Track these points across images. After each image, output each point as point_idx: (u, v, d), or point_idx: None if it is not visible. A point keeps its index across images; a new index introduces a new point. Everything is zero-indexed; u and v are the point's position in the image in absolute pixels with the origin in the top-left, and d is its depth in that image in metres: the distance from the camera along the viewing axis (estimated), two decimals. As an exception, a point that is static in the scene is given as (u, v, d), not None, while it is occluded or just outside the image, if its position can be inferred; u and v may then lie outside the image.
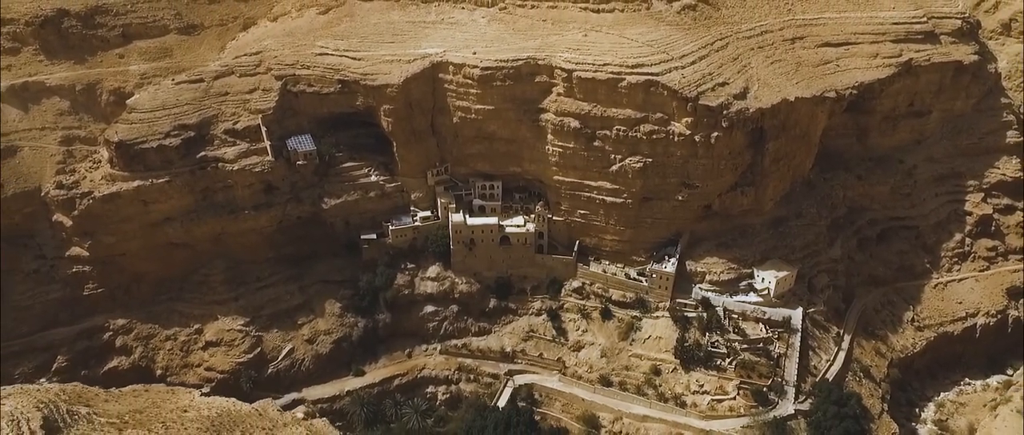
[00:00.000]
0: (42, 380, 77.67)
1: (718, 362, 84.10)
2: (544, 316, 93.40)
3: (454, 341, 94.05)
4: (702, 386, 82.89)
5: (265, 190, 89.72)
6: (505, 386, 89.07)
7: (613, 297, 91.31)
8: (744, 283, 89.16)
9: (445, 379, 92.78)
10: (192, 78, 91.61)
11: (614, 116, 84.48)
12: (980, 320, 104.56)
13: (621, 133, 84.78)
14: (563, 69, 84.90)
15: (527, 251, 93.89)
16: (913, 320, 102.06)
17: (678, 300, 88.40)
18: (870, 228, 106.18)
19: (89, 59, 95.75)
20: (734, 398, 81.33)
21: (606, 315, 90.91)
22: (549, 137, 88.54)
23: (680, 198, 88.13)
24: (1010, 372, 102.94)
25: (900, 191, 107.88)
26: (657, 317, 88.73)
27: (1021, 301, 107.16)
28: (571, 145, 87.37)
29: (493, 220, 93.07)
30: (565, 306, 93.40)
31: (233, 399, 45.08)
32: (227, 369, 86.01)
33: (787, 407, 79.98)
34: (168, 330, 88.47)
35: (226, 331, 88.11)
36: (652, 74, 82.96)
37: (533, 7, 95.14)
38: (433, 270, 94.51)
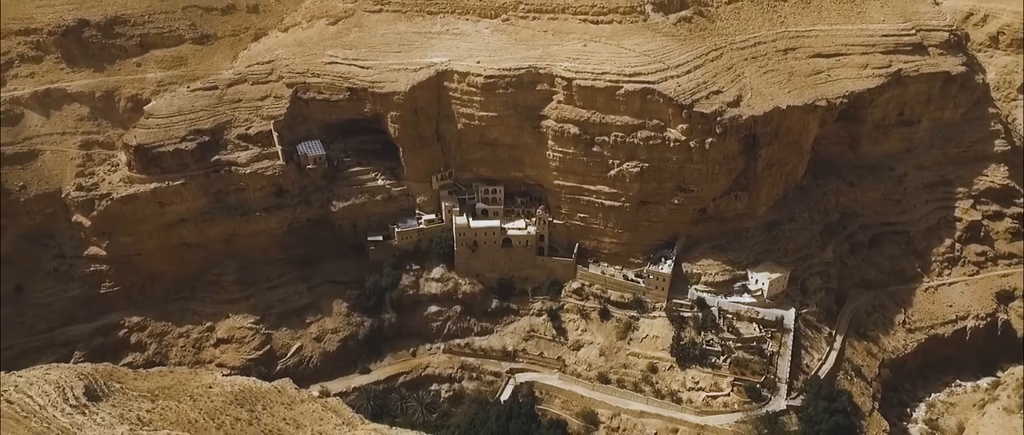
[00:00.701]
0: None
1: (713, 360, 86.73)
2: (545, 316, 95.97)
3: (457, 340, 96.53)
4: (697, 383, 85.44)
5: (276, 193, 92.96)
6: (507, 384, 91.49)
7: (611, 298, 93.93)
8: (738, 284, 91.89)
9: (448, 377, 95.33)
10: (207, 85, 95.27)
11: (612, 123, 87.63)
12: (970, 323, 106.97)
13: (619, 139, 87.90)
14: (563, 78, 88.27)
15: (528, 253, 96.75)
16: (904, 322, 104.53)
17: (674, 300, 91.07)
18: (862, 233, 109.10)
19: (108, 67, 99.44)
20: (728, 394, 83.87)
21: (605, 315, 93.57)
22: (550, 143, 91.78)
23: (676, 202, 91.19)
24: (1000, 374, 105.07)
25: (891, 197, 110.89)
26: (654, 317, 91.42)
27: (1010, 305, 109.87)
28: (571, 151, 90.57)
29: (495, 223, 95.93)
30: (565, 307, 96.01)
31: (253, 378, 48.12)
32: (238, 365, 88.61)
33: (779, 403, 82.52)
34: (181, 327, 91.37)
35: (237, 329, 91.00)
36: (649, 82, 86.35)
37: (535, 18, 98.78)
38: (437, 271, 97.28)
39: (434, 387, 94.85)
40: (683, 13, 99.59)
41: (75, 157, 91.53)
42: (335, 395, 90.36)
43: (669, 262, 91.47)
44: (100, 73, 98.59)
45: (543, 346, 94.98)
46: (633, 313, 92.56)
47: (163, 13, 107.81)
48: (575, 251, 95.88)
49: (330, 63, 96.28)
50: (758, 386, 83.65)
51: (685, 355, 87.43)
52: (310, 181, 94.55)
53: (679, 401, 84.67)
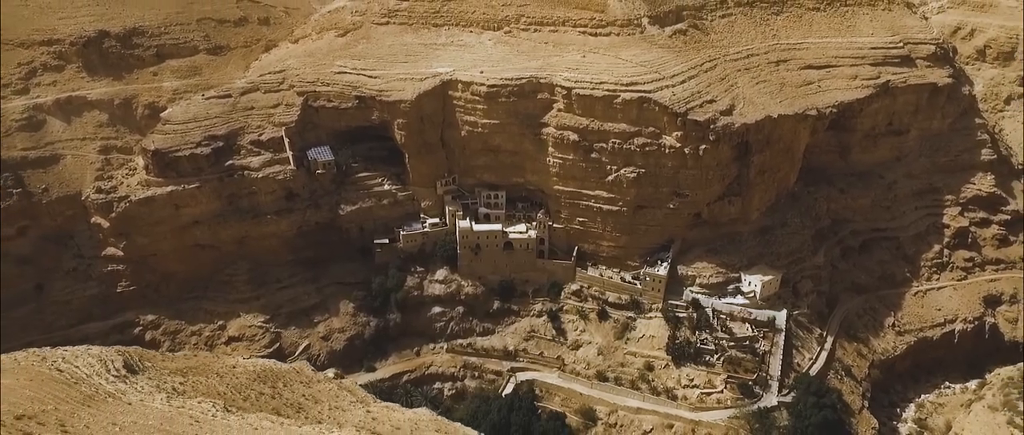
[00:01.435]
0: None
1: (707, 358, 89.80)
2: (544, 317, 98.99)
3: (460, 340, 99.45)
4: (692, 380, 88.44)
5: (286, 197, 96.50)
6: (508, 381, 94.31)
7: (609, 299, 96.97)
8: (732, 286, 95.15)
9: (451, 376, 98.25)
10: (221, 94, 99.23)
11: (610, 130, 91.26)
12: (958, 326, 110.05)
13: (616, 146, 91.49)
14: (563, 87, 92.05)
15: (529, 256, 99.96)
16: (894, 325, 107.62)
17: (670, 301, 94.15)
18: (853, 238, 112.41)
19: (126, 76, 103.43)
20: (721, 391, 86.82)
21: (603, 316, 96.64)
22: (550, 149, 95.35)
23: (671, 206, 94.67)
24: (987, 376, 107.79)
25: (881, 204, 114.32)
26: (650, 317, 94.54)
27: (998, 309, 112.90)
28: (570, 157, 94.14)
29: (497, 227, 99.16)
30: (564, 308, 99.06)
31: (273, 360, 51.24)
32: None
33: (771, 399, 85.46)
34: (193, 326, 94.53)
35: (247, 327, 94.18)
36: (645, 91, 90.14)
37: (536, 30, 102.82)
38: (441, 273, 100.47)
39: (437, 385, 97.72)
40: (678, 26, 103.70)
41: (94, 161, 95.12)
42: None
43: (665, 265, 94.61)
44: (119, 82, 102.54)
45: (543, 346, 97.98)
46: (630, 314, 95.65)
47: (179, 25, 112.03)
48: (574, 254, 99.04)
49: (339, 73, 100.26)
50: (750, 383, 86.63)
51: (680, 354, 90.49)
52: (319, 186, 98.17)
53: (674, 398, 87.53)
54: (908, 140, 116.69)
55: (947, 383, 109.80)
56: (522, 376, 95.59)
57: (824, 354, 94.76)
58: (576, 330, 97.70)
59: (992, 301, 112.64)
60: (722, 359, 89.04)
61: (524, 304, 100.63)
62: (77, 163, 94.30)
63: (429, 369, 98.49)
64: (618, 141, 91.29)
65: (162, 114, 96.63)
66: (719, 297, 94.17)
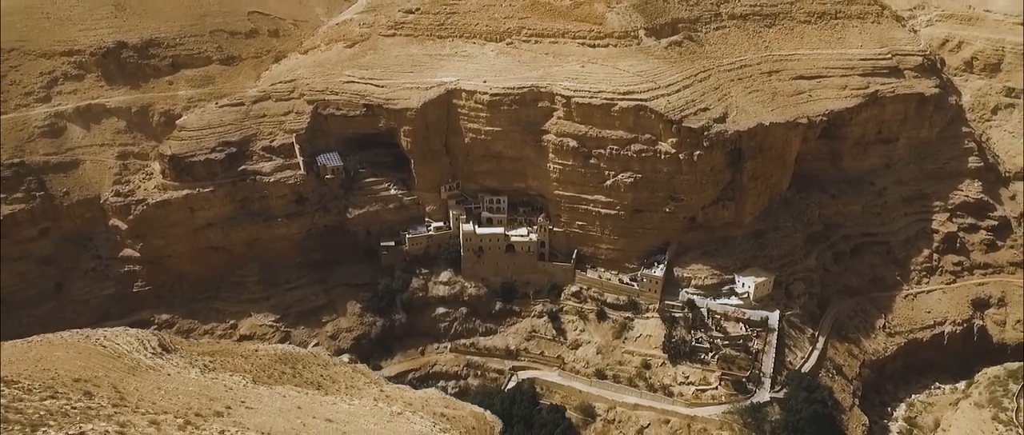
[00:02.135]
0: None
1: (702, 356, 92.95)
2: (545, 317, 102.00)
3: (463, 340, 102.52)
4: (688, 378, 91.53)
5: (296, 201, 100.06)
6: (509, 380, 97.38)
7: (608, 300, 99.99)
8: (726, 287, 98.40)
9: (454, 374, 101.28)
10: (234, 102, 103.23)
11: (608, 137, 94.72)
12: (947, 328, 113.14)
13: (614, 152, 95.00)
14: (563, 96, 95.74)
15: (530, 258, 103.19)
16: (884, 327, 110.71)
17: (666, 302, 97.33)
18: (844, 243, 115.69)
19: (143, 85, 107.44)
20: (716, 388, 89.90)
21: (601, 316, 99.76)
22: (550, 156, 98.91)
23: (667, 210, 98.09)
24: (976, 376, 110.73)
25: (871, 210, 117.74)
26: (647, 317, 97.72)
27: (986, 312, 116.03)
28: (570, 163, 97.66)
29: (500, 230, 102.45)
30: (564, 308, 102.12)
31: (292, 345, 54.55)
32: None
33: (763, 395, 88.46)
34: (206, 325, 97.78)
35: (258, 326, 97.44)
36: (641, 100, 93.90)
37: (537, 42, 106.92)
38: (445, 275, 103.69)
39: (441, 383, 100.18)
40: (674, 38, 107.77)
41: (113, 166, 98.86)
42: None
43: (661, 267, 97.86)
44: (136, 90, 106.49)
45: (544, 345, 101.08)
46: (628, 314, 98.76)
47: (193, 37, 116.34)
48: (574, 256, 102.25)
49: (348, 82, 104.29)
50: (744, 380, 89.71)
51: (676, 352, 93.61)
52: (328, 190, 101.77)
53: (670, 394, 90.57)
54: (897, 148, 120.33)
55: (937, 384, 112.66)
56: (523, 375, 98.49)
57: (816, 353, 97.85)
58: (576, 330, 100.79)
59: (980, 304, 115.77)
60: (716, 357, 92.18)
61: (525, 305, 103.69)
62: (96, 168, 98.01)
63: (433, 368, 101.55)
64: (616, 147, 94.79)
65: (178, 121, 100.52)
66: (714, 298, 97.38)
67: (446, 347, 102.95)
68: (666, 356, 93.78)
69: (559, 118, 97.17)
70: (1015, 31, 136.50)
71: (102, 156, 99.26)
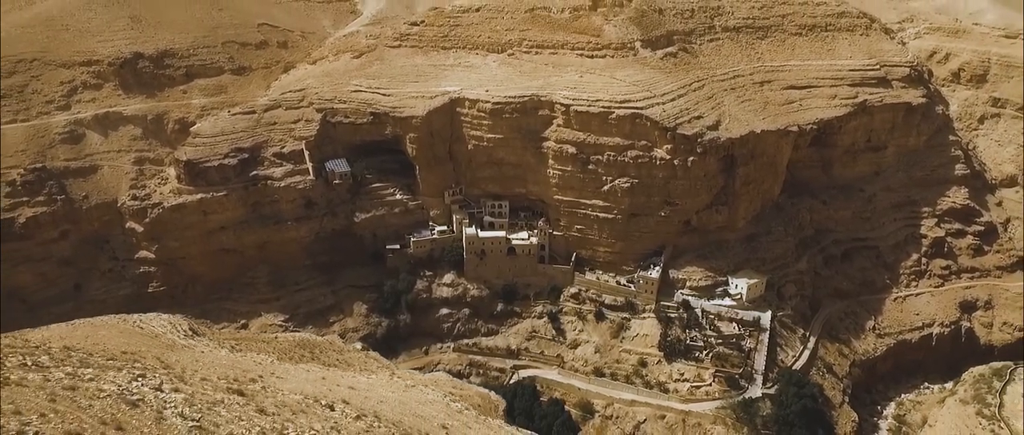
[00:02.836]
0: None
1: (696, 354, 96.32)
2: (545, 318, 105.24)
3: (466, 340, 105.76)
4: (682, 375, 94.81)
5: (306, 205, 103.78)
6: (511, 378, 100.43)
7: (606, 301, 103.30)
8: (720, 289, 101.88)
9: (457, 373, 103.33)
10: (246, 110, 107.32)
11: (605, 143, 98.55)
12: (936, 330, 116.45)
13: (611, 158, 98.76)
14: (562, 104, 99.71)
15: (531, 261, 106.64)
16: (874, 328, 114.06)
17: (662, 303, 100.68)
18: (835, 247, 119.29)
19: (158, 94, 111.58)
20: (710, 384, 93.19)
21: (600, 317, 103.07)
22: (550, 162, 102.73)
23: (663, 214, 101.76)
24: (963, 376, 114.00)
25: (861, 216, 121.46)
26: (644, 317, 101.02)
27: (973, 314, 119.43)
28: (569, 168, 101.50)
29: (501, 234, 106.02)
30: (564, 309, 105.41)
31: (309, 333, 58.07)
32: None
33: (755, 391, 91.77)
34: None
35: (268, 326, 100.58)
36: (638, 108, 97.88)
37: (537, 53, 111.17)
38: (448, 277, 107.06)
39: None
40: (669, 49, 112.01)
41: (129, 171, 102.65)
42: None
43: (657, 269, 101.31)
44: (151, 99, 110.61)
45: (544, 345, 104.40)
46: (625, 314, 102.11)
47: (205, 48, 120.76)
48: (573, 259, 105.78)
49: (355, 91, 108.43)
50: (736, 377, 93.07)
51: (672, 350, 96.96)
52: (336, 195, 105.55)
53: (666, 391, 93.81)
54: (886, 156, 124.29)
55: (926, 384, 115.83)
56: (524, 373, 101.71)
57: (806, 352, 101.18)
58: (575, 330, 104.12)
59: (968, 306, 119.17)
60: (710, 355, 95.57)
61: (526, 306, 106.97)
62: (113, 173, 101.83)
63: (437, 367, 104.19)
64: (613, 154, 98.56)
65: (192, 128, 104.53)
66: (708, 299, 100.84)
67: (449, 347, 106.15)
68: (662, 354, 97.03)
69: (558, 126, 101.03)
70: (1001, 43, 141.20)
71: (119, 162, 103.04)
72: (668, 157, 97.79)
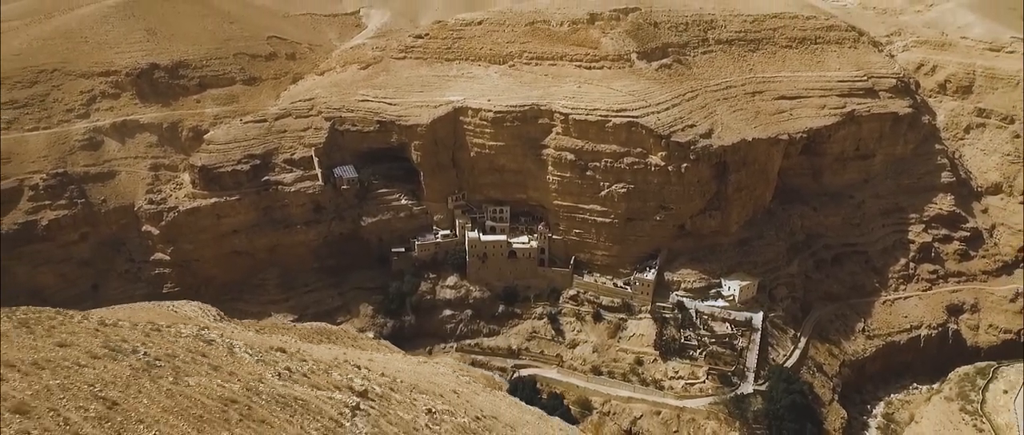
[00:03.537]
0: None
1: (691, 353, 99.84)
2: (545, 319, 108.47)
3: (468, 340, 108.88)
4: (677, 372, 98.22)
5: (314, 209, 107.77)
6: (512, 377, 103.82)
7: (603, 302, 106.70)
8: (713, 291, 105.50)
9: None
10: (257, 118, 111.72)
11: (602, 150, 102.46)
12: (923, 332, 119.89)
13: (608, 164, 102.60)
14: (561, 113, 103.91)
15: (531, 264, 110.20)
16: (864, 330, 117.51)
17: (658, 304, 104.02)
18: (825, 252, 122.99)
19: (173, 103, 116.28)
20: (703, 381, 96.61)
21: (597, 317, 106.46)
22: (549, 168, 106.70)
23: (658, 219, 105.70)
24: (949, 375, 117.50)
25: (851, 221, 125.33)
26: (640, 318, 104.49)
27: (960, 317, 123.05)
28: (567, 175, 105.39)
29: (502, 238, 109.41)
30: (563, 311, 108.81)
31: (325, 323, 61.90)
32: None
33: (747, 388, 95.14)
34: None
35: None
36: (633, 117, 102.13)
37: (537, 64, 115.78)
38: (451, 279, 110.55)
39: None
40: (664, 61, 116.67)
41: (145, 177, 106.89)
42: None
43: (653, 271, 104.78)
44: (166, 108, 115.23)
45: (543, 345, 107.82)
46: (622, 315, 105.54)
47: (218, 59, 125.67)
48: (572, 262, 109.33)
49: (362, 101, 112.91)
50: (729, 374, 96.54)
51: (667, 349, 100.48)
52: (344, 200, 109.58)
53: (661, 388, 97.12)
54: (874, 164, 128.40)
55: (915, 384, 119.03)
56: (525, 372, 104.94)
57: (797, 352, 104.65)
58: (573, 330, 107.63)
59: (954, 310, 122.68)
60: (704, 354, 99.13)
61: (526, 307, 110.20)
62: (130, 178, 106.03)
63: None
64: (610, 160, 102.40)
65: (206, 135, 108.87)
66: (702, 300, 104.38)
67: (452, 347, 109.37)
68: (657, 353, 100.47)
69: (557, 134, 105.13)
70: (985, 56, 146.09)
71: (136, 167, 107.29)
72: (663, 164, 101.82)
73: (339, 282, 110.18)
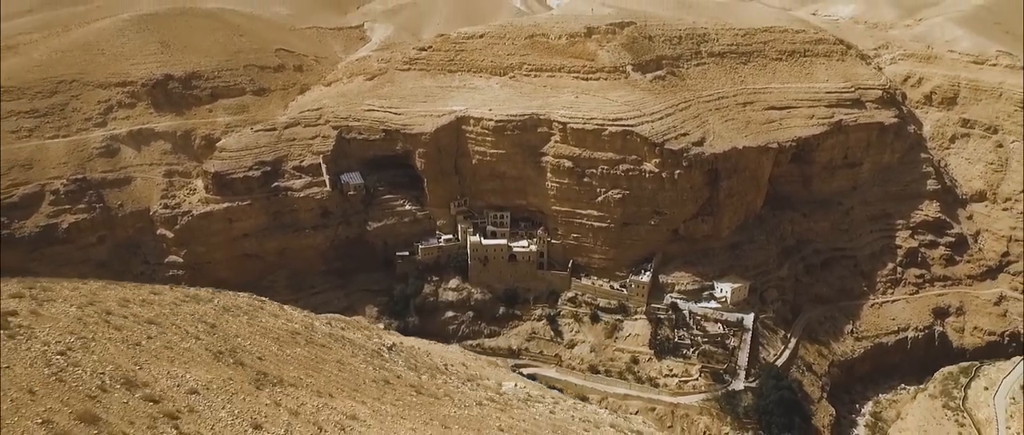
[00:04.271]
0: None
1: (684, 352, 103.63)
2: (544, 320, 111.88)
3: (470, 341, 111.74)
4: (671, 371, 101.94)
5: (322, 214, 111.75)
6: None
7: (600, 304, 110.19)
8: (706, 293, 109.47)
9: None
10: (267, 127, 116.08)
11: (599, 158, 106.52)
12: (911, 334, 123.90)
13: (605, 171, 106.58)
14: (559, 122, 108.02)
15: (531, 267, 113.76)
16: (852, 331, 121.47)
17: (653, 305, 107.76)
18: (815, 256, 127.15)
19: (186, 112, 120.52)
20: (697, 379, 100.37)
21: (595, 318, 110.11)
22: (548, 175, 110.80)
23: (652, 223, 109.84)
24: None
25: (839, 227, 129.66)
26: (636, 319, 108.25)
27: (946, 320, 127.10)
28: (566, 181, 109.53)
29: (503, 242, 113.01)
30: (561, 312, 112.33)
31: (337, 314, 66.08)
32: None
33: (738, 385, 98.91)
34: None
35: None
36: (629, 125, 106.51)
37: (536, 76, 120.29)
38: (454, 282, 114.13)
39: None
40: (658, 72, 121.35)
41: (160, 183, 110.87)
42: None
43: (648, 274, 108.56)
44: (180, 117, 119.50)
45: (543, 345, 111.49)
46: (618, 316, 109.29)
47: (228, 70, 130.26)
48: (570, 265, 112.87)
49: (368, 110, 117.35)
50: (721, 372, 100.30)
51: (661, 349, 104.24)
52: (350, 205, 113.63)
53: (656, 385, 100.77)
54: (862, 172, 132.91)
55: (903, 385, 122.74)
56: (524, 371, 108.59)
57: (787, 351, 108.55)
58: (572, 331, 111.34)
59: (940, 313, 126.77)
60: (697, 352, 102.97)
61: (526, 309, 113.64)
62: (146, 184, 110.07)
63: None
64: (606, 167, 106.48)
65: (218, 143, 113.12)
66: (695, 301, 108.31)
67: (455, 347, 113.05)
68: (652, 352, 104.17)
69: (556, 142, 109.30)
70: (970, 69, 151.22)
71: (151, 174, 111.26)
72: (657, 171, 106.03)
73: (346, 284, 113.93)
